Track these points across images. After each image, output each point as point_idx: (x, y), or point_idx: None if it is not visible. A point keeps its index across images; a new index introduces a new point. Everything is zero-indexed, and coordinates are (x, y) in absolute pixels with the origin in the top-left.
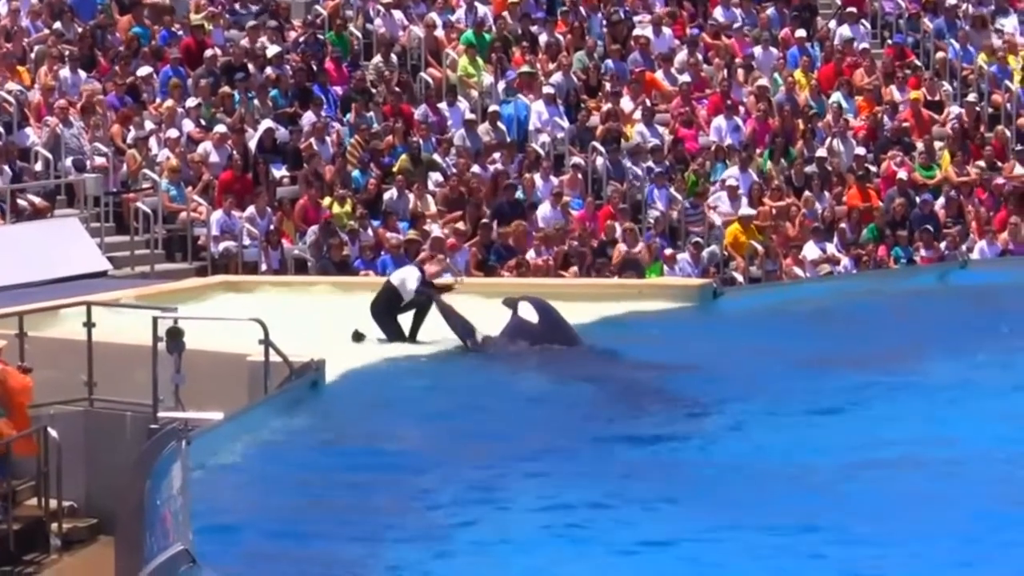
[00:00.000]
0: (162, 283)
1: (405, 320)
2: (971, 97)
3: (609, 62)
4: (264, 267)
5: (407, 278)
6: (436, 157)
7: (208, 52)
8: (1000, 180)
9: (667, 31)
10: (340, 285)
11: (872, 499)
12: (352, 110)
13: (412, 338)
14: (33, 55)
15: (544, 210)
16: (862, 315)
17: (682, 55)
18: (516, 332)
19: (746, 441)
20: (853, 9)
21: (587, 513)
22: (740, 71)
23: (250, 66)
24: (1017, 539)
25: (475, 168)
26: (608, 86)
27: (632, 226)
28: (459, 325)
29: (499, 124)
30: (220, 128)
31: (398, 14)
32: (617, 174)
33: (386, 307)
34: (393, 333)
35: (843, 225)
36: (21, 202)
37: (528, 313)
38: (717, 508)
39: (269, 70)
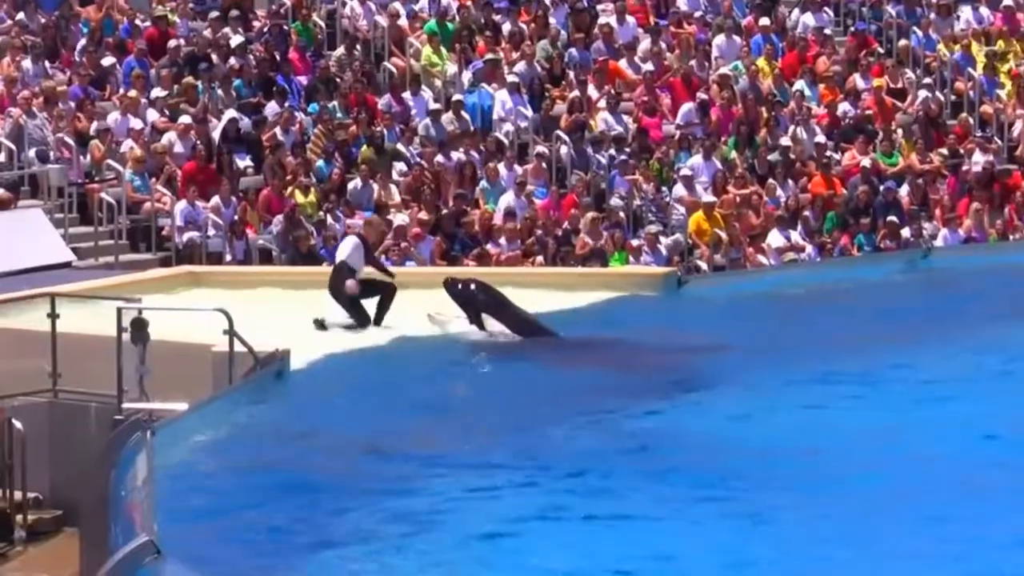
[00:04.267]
0: (126, 274)
1: (369, 305)
2: (927, 80)
3: (573, 51)
4: (229, 257)
5: (345, 247)
6: (400, 147)
7: (172, 43)
8: (965, 167)
9: (630, 20)
10: (303, 275)
11: (840, 485)
12: (316, 100)
13: (378, 323)
14: None
15: (507, 199)
16: (826, 303)
17: (645, 44)
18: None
19: (713, 428)
20: None
21: (561, 500)
22: (703, 59)
23: (214, 56)
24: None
25: (439, 158)
26: (572, 75)
27: (597, 215)
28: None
29: (463, 113)
30: (184, 119)
31: (362, 3)
32: (581, 163)
33: (342, 286)
34: (355, 312)
35: (807, 213)
36: None
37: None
38: (690, 495)
39: (233, 60)
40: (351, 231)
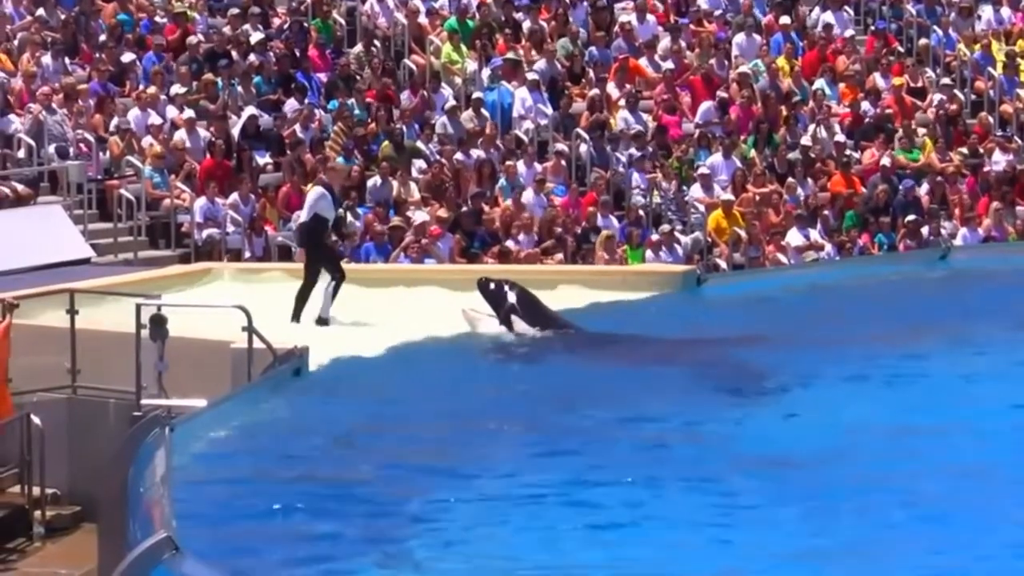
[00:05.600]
0: (145, 270)
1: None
2: (946, 81)
3: (593, 49)
4: (248, 254)
5: (311, 200)
6: (419, 144)
7: (191, 39)
8: (986, 167)
9: (651, 18)
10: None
11: (861, 483)
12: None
13: (296, 319)
14: (16, 42)
15: (527, 196)
16: (846, 302)
17: (665, 42)
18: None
19: (732, 427)
20: None
21: (589, 507)
22: (723, 58)
23: (233, 53)
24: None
25: (459, 155)
26: (592, 73)
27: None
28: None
29: (483, 111)
30: (188, 113)
31: (381, 1)
32: (601, 161)
33: (315, 241)
34: (310, 272)
35: (826, 212)
36: (3, 189)
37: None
38: (709, 495)
39: (252, 57)
40: (319, 181)
